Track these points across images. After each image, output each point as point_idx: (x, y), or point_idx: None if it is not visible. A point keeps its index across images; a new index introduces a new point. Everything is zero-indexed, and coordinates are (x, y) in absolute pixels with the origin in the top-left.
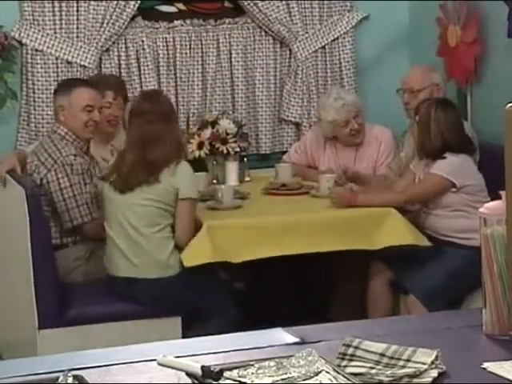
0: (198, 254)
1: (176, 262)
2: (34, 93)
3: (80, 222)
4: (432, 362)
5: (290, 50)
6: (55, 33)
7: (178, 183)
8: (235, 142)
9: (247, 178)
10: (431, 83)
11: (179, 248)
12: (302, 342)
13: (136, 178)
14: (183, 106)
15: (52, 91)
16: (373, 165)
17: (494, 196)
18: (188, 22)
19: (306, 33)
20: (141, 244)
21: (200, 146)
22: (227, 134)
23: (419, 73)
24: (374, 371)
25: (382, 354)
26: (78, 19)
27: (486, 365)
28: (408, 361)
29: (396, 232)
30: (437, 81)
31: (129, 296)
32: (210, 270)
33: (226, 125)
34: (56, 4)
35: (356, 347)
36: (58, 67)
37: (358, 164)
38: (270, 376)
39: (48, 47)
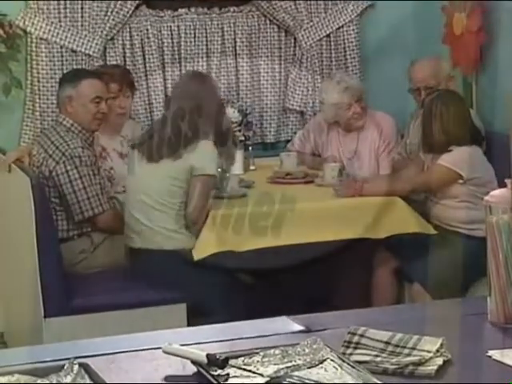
0: (204, 244)
1: (187, 237)
2: (38, 81)
3: (91, 213)
4: (437, 350)
5: (295, 39)
6: (60, 21)
7: (194, 159)
8: (240, 130)
9: (252, 167)
10: (446, 74)
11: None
12: (307, 331)
13: (161, 150)
14: None
15: (57, 80)
16: (375, 151)
17: (502, 185)
18: (193, 10)
19: (311, 21)
20: (155, 216)
21: None
22: (232, 122)
23: (432, 67)
24: (379, 359)
25: (387, 342)
26: (82, 8)
27: (491, 353)
28: (413, 349)
29: (401, 220)
30: (449, 71)
31: (141, 267)
32: (218, 257)
33: (231, 113)
34: None
35: (361, 335)
36: (62, 56)
37: (360, 149)
38: (275, 364)
39: (53, 36)
